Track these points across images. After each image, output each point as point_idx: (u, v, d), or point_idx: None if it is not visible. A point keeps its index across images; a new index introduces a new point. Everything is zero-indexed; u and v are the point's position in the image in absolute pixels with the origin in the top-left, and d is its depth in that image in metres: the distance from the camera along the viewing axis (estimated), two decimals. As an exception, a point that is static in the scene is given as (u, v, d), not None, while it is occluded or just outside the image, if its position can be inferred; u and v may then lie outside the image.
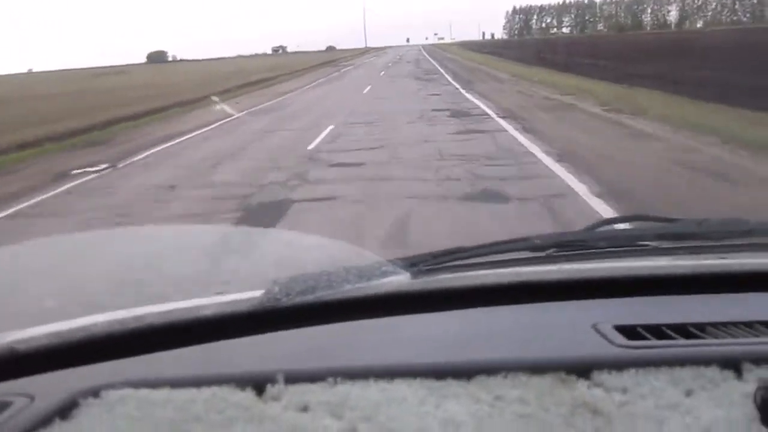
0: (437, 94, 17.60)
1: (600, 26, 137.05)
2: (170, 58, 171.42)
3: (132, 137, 13.35)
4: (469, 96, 16.36)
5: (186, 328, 0.84)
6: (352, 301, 0.90)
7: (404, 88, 20.97)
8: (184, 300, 0.91)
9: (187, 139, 12.25)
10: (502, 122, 10.94)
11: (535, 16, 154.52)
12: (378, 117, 12.97)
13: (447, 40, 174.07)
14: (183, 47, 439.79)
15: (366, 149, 9.10)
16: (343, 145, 9.64)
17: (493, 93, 16.75)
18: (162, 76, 45.71)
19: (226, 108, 18.31)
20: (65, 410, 0.67)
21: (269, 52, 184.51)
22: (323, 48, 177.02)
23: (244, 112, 16.66)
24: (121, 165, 9.65)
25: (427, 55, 60.82)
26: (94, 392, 0.69)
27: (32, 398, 0.70)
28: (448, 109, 13.52)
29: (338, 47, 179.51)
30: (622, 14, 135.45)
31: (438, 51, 77.89)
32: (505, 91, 17.24)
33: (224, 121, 15.02)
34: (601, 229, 1.26)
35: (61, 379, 0.74)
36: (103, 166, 9.65)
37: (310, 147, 9.64)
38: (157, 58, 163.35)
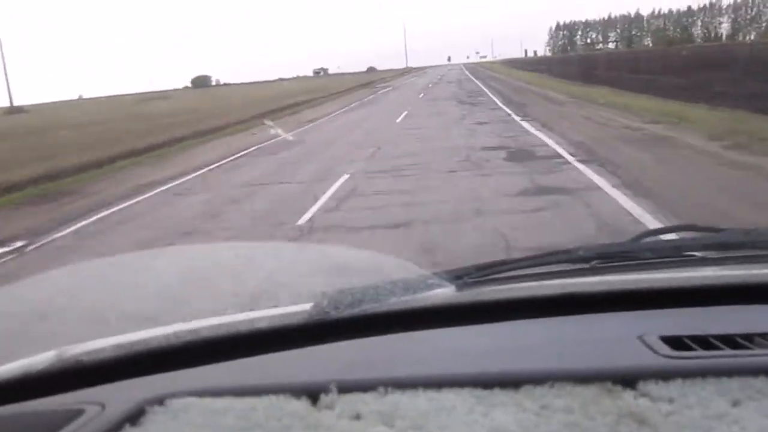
0: (485, 123, 14.26)
1: (647, 41, 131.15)
2: (214, 83, 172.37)
3: (103, 187, 10.67)
4: (526, 125, 12.97)
5: (239, 340, 0.86)
6: (399, 314, 0.90)
7: (445, 115, 17.62)
8: (237, 314, 0.92)
9: (157, 193, 9.25)
10: (587, 171, 7.50)
11: (579, 32, 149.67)
12: (409, 160, 9.69)
13: (489, 59, 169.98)
14: (227, 71, 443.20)
15: (383, 228, 5.79)
16: (351, 217, 6.36)
17: (556, 120, 13.29)
18: (197, 102, 44.26)
19: (237, 142, 15.65)
20: (133, 418, 0.70)
21: (311, 74, 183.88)
22: (364, 69, 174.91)
23: (252, 149, 13.72)
24: (34, 246, 6.68)
25: (469, 74, 57.13)
26: (160, 401, 0.72)
27: (103, 406, 0.73)
28: (502, 147, 10.16)
29: (379, 68, 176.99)
30: (671, 27, 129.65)
31: (480, 69, 73.86)
32: (570, 118, 13.77)
33: (222, 162, 12.04)
34: (647, 239, 1.21)
35: (128, 388, 0.77)
36: (17, 245, 6.75)
37: (302, 220, 6.38)
38: (201, 82, 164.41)
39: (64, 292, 1.36)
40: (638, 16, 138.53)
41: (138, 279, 1.42)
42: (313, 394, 0.71)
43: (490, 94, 25.19)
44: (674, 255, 1.08)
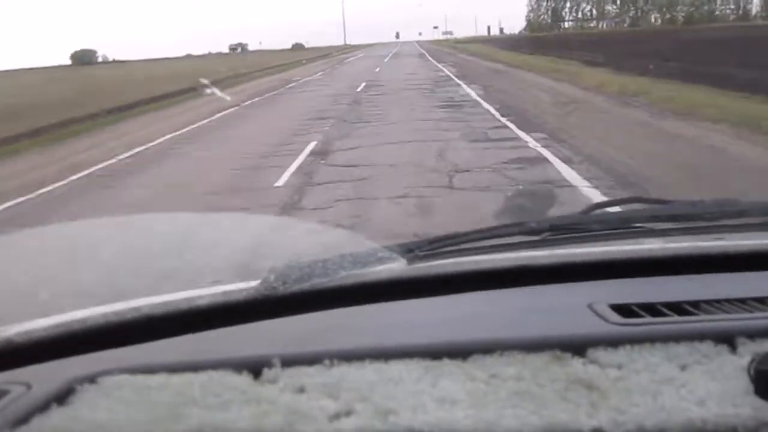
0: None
1: (654, 16, 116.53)
2: (100, 59, 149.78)
3: None
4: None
5: (183, 317, 0.90)
6: (348, 288, 0.96)
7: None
8: (180, 290, 0.97)
9: None
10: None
11: (567, 3, 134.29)
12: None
13: (454, 36, 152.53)
14: (122, 45, 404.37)
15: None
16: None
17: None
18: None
19: None
20: (62, 396, 0.73)
21: (226, 50, 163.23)
22: (289, 46, 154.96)
23: None
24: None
25: (458, 78, 22.82)
26: (91, 379, 0.75)
27: (29, 386, 0.75)
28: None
29: (310, 44, 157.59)
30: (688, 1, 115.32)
31: (465, 59, 39.89)
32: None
33: None
34: (596, 212, 1.30)
35: (60, 368, 0.80)
36: None
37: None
38: (83, 58, 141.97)
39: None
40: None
41: (72, 251, 1.45)
42: (255, 368, 0.75)
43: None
44: (623, 227, 1.15)
